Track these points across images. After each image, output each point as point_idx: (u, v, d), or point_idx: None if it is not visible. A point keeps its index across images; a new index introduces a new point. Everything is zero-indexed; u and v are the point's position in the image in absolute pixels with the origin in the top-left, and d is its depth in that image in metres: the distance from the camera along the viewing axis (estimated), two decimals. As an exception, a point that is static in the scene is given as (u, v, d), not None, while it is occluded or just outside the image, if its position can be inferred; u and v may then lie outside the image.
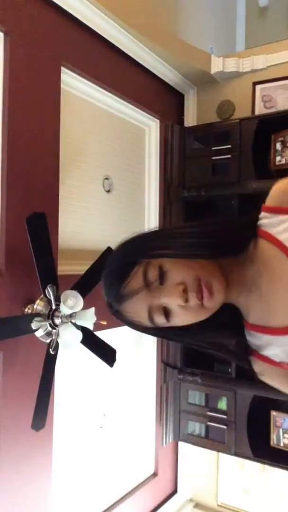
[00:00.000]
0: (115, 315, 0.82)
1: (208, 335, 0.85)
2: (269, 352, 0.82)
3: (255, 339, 0.83)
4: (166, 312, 0.77)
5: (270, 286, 0.78)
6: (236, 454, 2.84)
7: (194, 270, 0.75)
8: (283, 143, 2.75)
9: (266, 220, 0.80)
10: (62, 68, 2.25)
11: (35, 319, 1.82)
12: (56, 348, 1.90)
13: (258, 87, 3.08)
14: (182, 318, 0.77)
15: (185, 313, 0.76)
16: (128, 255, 0.78)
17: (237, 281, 0.80)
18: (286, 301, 0.76)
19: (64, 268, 2.22)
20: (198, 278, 0.74)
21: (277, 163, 2.77)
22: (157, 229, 0.89)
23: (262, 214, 0.81)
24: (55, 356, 1.90)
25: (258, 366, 0.86)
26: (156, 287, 0.76)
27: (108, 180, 2.71)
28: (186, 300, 0.74)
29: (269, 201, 0.81)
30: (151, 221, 3.08)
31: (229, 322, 0.84)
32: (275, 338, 0.79)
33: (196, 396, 3.12)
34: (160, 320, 0.77)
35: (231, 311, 0.83)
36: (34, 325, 1.81)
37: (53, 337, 1.89)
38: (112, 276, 0.78)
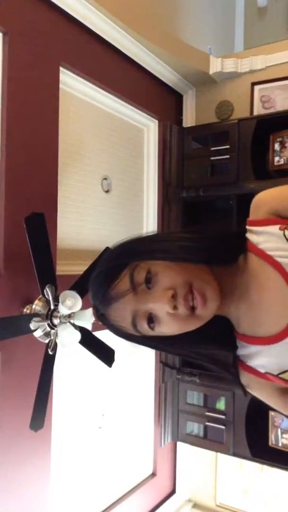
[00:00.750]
0: (100, 319, 0.79)
1: (197, 347, 0.82)
2: (255, 362, 0.81)
3: (243, 349, 0.82)
4: (151, 319, 0.72)
5: (258, 296, 0.77)
6: (235, 454, 2.84)
7: (186, 275, 0.71)
8: (281, 143, 2.76)
9: (249, 234, 0.81)
10: (61, 69, 2.25)
11: (34, 319, 1.82)
12: (55, 348, 1.90)
13: (256, 87, 3.09)
14: (169, 327, 0.72)
15: (173, 322, 0.72)
16: (117, 257, 0.76)
17: (228, 291, 0.78)
18: (273, 311, 0.76)
19: (63, 268, 2.22)
20: (189, 283, 0.71)
21: (275, 164, 2.78)
22: (151, 234, 0.88)
23: (247, 227, 0.82)
24: (53, 356, 1.90)
25: (245, 378, 0.84)
26: (143, 291, 0.72)
27: (107, 180, 2.71)
28: (175, 307, 0.70)
29: (251, 215, 0.82)
30: (149, 221, 3.08)
31: (220, 333, 0.81)
32: (262, 348, 0.78)
33: (194, 396, 3.12)
34: (144, 327, 0.73)
35: (222, 322, 0.80)
36: (32, 325, 1.80)
37: (52, 337, 1.89)
38: (101, 278, 0.75)
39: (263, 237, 0.78)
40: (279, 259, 0.75)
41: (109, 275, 0.74)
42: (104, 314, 0.77)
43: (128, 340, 0.81)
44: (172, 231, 0.88)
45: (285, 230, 0.75)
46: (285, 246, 0.75)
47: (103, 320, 0.78)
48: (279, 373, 0.77)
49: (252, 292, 0.77)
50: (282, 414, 0.86)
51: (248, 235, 0.81)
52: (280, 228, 0.76)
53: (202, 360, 0.85)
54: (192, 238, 0.80)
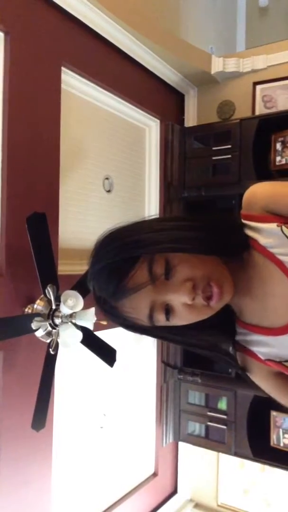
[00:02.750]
0: (108, 312, 0.77)
1: (202, 334, 0.82)
2: (255, 349, 0.83)
3: (244, 335, 0.84)
4: (168, 310, 0.73)
5: (262, 291, 0.79)
6: (236, 454, 2.84)
7: (205, 268, 0.72)
8: (283, 143, 2.76)
9: (248, 230, 0.80)
10: (63, 68, 2.25)
11: (35, 319, 1.82)
12: (56, 348, 1.90)
13: (258, 87, 3.08)
14: (184, 317, 0.74)
15: (188, 312, 0.73)
16: (130, 249, 0.72)
17: (235, 284, 0.78)
18: (277, 306, 0.78)
19: (64, 268, 2.22)
20: (208, 276, 0.72)
21: (277, 163, 2.77)
22: (154, 220, 0.85)
23: (244, 221, 0.81)
24: (55, 356, 1.91)
25: (245, 361, 0.86)
26: (162, 283, 0.72)
27: (109, 180, 2.71)
28: (193, 298, 0.71)
29: (244, 209, 0.81)
30: (151, 221, 3.07)
31: (222, 320, 0.82)
32: (265, 338, 0.80)
33: (196, 396, 3.12)
34: (161, 318, 0.73)
35: (225, 309, 0.81)
36: (34, 325, 1.81)
37: (53, 337, 1.89)
38: (110, 270, 0.72)
39: (262, 234, 0.78)
40: (280, 257, 0.76)
41: (121, 266, 0.72)
42: (116, 307, 0.75)
43: (135, 331, 0.80)
44: (173, 216, 0.86)
45: (283, 227, 0.75)
46: (285, 243, 0.75)
47: (112, 312, 0.76)
48: (281, 361, 0.80)
49: (255, 286, 0.79)
50: (276, 400, 0.88)
51: (248, 231, 0.80)
52: (277, 225, 0.76)
53: (204, 347, 0.86)
54: (204, 228, 0.78)
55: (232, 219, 0.84)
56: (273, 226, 0.76)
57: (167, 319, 0.73)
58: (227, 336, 0.85)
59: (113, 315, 0.77)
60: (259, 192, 0.80)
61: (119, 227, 0.79)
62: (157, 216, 3.02)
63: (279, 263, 0.76)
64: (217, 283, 0.72)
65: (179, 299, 0.72)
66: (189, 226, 0.78)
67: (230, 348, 0.86)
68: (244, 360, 0.87)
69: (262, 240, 0.78)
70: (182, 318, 0.74)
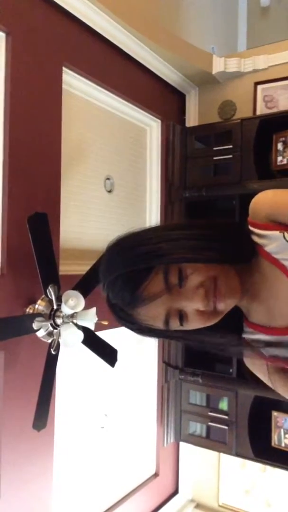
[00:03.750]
0: (123, 319, 0.79)
1: (214, 333, 0.85)
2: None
3: (251, 335, 0.88)
4: (181, 316, 0.76)
5: (268, 295, 0.83)
6: (237, 454, 2.84)
7: (214, 274, 0.76)
8: (284, 143, 2.75)
9: (254, 236, 0.83)
10: (64, 69, 2.25)
11: (37, 319, 1.82)
12: (58, 348, 1.90)
13: (259, 87, 3.08)
14: (196, 322, 0.77)
15: (200, 318, 0.76)
16: (146, 259, 0.75)
17: (243, 288, 0.82)
18: (283, 309, 0.82)
19: (66, 268, 2.22)
20: (216, 280, 0.75)
21: (278, 163, 2.77)
22: (162, 226, 0.87)
23: (250, 228, 0.84)
24: (56, 356, 1.91)
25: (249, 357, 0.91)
26: (176, 291, 0.75)
27: (110, 180, 2.71)
28: (206, 305, 0.75)
29: (251, 216, 0.83)
30: (152, 221, 3.08)
31: (232, 320, 0.85)
32: (271, 337, 0.85)
33: (197, 396, 3.12)
34: (176, 324, 0.77)
35: (235, 310, 0.85)
36: (35, 325, 1.81)
37: (54, 337, 1.90)
38: (125, 279, 0.75)
39: (266, 240, 0.81)
40: (285, 263, 0.80)
41: (136, 276, 0.74)
42: (131, 314, 0.78)
43: (149, 335, 0.83)
44: (183, 223, 0.88)
45: (285, 234, 0.78)
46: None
47: (127, 319, 0.79)
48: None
49: (262, 290, 0.83)
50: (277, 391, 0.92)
51: (254, 238, 0.83)
52: (280, 232, 0.79)
53: (215, 346, 0.89)
54: (217, 237, 0.81)
55: (241, 226, 0.86)
56: (276, 233, 0.79)
57: (181, 324, 0.77)
58: (235, 333, 0.89)
59: (128, 322, 0.80)
60: (261, 202, 0.82)
61: (130, 235, 0.81)
62: (159, 221, 3.04)
63: (284, 268, 0.80)
64: (225, 286, 0.76)
65: (193, 305, 0.75)
66: (202, 235, 0.80)
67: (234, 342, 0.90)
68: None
69: (267, 246, 0.81)
70: (195, 323, 0.77)
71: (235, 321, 0.87)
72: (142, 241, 0.78)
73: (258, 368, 0.91)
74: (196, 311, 0.76)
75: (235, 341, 0.89)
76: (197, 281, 0.75)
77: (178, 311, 0.76)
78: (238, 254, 0.81)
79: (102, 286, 0.79)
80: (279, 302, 0.82)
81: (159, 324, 0.77)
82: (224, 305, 0.77)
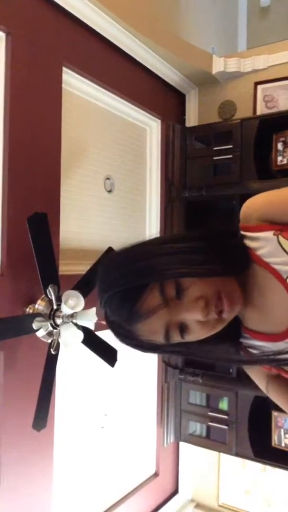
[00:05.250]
0: (123, 335, 0.79)
1: (214, 344, 0.84)
2: (256, 352, 0.87)
3: (247, 340, 0.88)
4: (182, 328, 0.75)
5: (261, 301, 0.82)
6: (237, 454, 2.84)
7: (215, 285, 0.75)
8: (284, 143, 2.75)
9: (246, 240, 0.82)
10: (64, 68, 2.25)
11: (36, 319, 1.82)
12: (57, 348, 1.90)
13: (259, 87, 3.08)
14: (198, 333, 0.76)
15: (202, 328, 0.75)
16: (140, 277, 0.74)
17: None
18: (276, 315, 0.81)
19: (66, 268, 2.22)
20: (218, 291, 0.74)
21: (278, 163, 2.77)
22: (157, 239, 0.86)
23: (242, 232, 0.83)
24: (56, 356, 1.91)
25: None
26: (175, 303, 0.74)
27: (110, 180, 2.71)
28: (207, 315, 0.73)
29: (242, 221, 0.83)
30: (152, 221, 3.08)
31: (230, 327, 0.83)
32: (265, 344, 0.84)
33: (197, 396, 3.12)
34: (177, 337, 0.76)
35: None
36: (35, 325, 1.81)
37: (54, 337, 1.89)
38: (122, 296, 0.74)
39: (259, 243, 0.79)
40: (276, 267, 0.78)
41: (132, 292, 0.74)
42: (130, 330, 0.77)
43: (149, 351, 0.82)
44: (177, 236, 0.86)
45: (279, 236, 0.77)
46: (280, 253, 0.77)
47: (127, 335, 0.78)
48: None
49: (255, 296, 0.82)
50: (273, 401, 0.93)
51: (246, 241, 0.82)
52: (274, 234, 0.77)
53: (215, 357, 0.90)
54: (208, 248, 0.79)
55: (235, 234, 0.85)
56: (269, 234, 0.78)
57: (182, 337, 0.76)
58: (233, 339, 0.88)
59: (128, 338, 0.79)
60: (253, 203, 0.82)
61: (124, 250, 0.80)
62: (159, 221, 3.04)
63: (275, 273, 0.78)
64: (228, 296, 0.74)
65: (193, 317, 0.74)
66: (196, 248, 0.79)
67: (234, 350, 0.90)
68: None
69: (259, 250, 0.79)
70: (197, 334, 0.76)
71: (233, 327, 0.86)
72: (135, 257, 0.77)
73: (255, 374, 0.92)
74: (197, 322, 0.74)
75: (235, 350, 0.88)
76: (197, 293, 0.74)
77: (178, 323, 0.75)
78: (235, 265, 0.79)
79: (100, 303, 0.79)
80: (272, 308, 0.81)
81: (160, 339, 0.76)
82: (231, 314, 0.76)
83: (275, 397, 0.91)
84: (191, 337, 0.76)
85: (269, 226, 0.78)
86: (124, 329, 0.77)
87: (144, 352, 0.82)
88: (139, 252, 0.78)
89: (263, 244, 0.78)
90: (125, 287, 0.74)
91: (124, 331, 0.78)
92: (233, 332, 0.87)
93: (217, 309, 0.74)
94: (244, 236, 0.82)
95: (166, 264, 0.75)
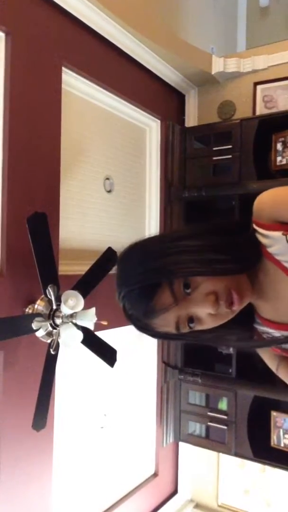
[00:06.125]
0: (141, 327, 0.84)
1: (226, 331, 0.89)
2: (266, 337, 0.94)
3: (259, 325, 0.94)
4: (191, 320, 0.80)
5: (273, 294, 0.86)
6: (237, 454, 2.84)
7: (226, 280, 0.78)
8: (283, 143, 2.76)
9: (258, 235, 0.84)
10: (63, 68, 2.25)
11: (36, 319, 1.82)
12: (57, 348, 1.90)
13: (259, 87, 3.08)
14: (209, 324, 0.81)
15: (213, 320, 0.80)
16: (154, 276, 0.78)
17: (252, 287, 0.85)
18: (285, 305, 0.85)
19: (65, 268, 2.22)
20: (229, 286, 0.78)
21: (278, 164, 2.77)
22: (169, 236, 0.90)
23: (255, 227, 0.84)
24: (55, 356, 1.91)
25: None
26: (184, 298, 0.79)
27: (109, 180, 2.71)
28: (217, 309, 0.78)
29: (255, 217, 0.84)
30: (151, 221, 3.08)
31: (244, 315, 0.88)
32: (276, 331, 0.89)
33: (196, 397, 3.12)
34: (187, 329, 0.81)
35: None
36: (34, 325, 1.81)
37: (54, 337, 1.89)
38: (139, 293, 0.79)
39: (270, 241, 0.81)
40: (286, 264, 0.81)
41: (147, 289, 0.78)
42: (148, 323, 0.82)
43: (165, 339, 0.91)
44: (187, 232, 0.88)
45: (287, 236, 0.79)
46: None
47: (146, 328, 0.83)
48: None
49: (267, 290, 0.86)
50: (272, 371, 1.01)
51: (258, 236, 0.84)
52: (283, 234, 0.80)
53: (225, 343, 0.99)
54: (225, 248, 0.82)
55: (246, 228, 0.86)
56: (279, 234, 0.80)
57: (191, 328, 0.81)
58: (247, 324, 0.94)
59: (145, 329, 0.84)
60: (263, 201, 0.83)
61: (139, 246, 0.84)
62: (159, 222, 3.04)
63: (286, 271, 0.81)
64: (237, 290, 0.78)
65: (204, 311, 0.79)
66: (209, 246, 0.82)
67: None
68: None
69: (271, 247, 0.82)
70: (208, 325, 0.81)
71: (247, 313, 0.91)
72: (149, 255, 0.81)
73: (267, 355, 0.99)
74: (208, 314, 0.79)
75: (248, 334, 0.94)
76: (208, 289, 0.78)
77: (189, 316, 0.80)
78: (246, 262, 0.82)
79: (118, 297, 0.84)
80: (282, 301, 0.85)
81: (171, 330, 0.82)
82: (240, 306, 0.80)
83: (285, 376, 0.98)
84: (204, 327, 0.82)
85: (279, 226, 0.80)
86: (142, 322, 0.82)
87: (161, 339, 0.90)
88: (152, 250, 0.82)
89: (273, 242, 0.81)
90: (140, 284, 0.79)
91: (142, 324, 0.83)
92: (247, 316, 0.92)
93: (227, 302, 0.78)
94: (256, 231, 0.84)
95: (177, 263, 0.79)
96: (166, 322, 0.80)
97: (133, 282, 0.80)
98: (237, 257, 0.81)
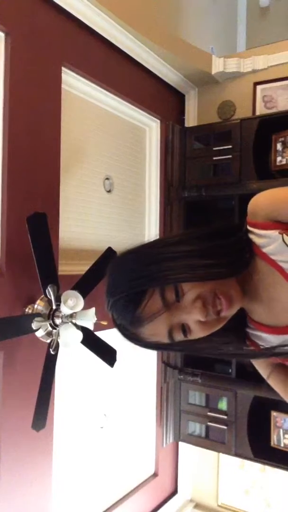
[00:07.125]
0: (129, 337, 0.82)
1: (219, 340, 0.87)
2: (260, 343, 0.91)
3: (252, 330, 0.91)
4: (184, 328, 0.79)
5: (267, 296, 0.84)
6: (237, 454, 2.84)
7: (212, 285, 0.77)
8: (283, 143, 2.75)
9: (252, 235, 0.83)
10: (63, 68, 2.25)
11: (36, 319, 1.82)
12: (57, 348, 1.90)
13: (259, 87, 3.08)
14: (200, 333, 0.79)
15: (203, 328, 0.78)
16: (141, 283, 0.77)
17: (243, 290, 0.83)
18: (281, 309, 0.84)
19: (65, 268, 2.22)
20: (215, 289, 0.77)
21: (277, 164, 2.77)
22: (157, 243, 0.87)
23: (249, 228, 0.83)
24: (55, 356, 1.91)
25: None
26: (174, 306, 0.77)
27: (109, 180, 2.71)
28: (206, 315, 0.76)
29: (249, 217, 0.83)
30: (151, 221, 3.08)
31: (235, 318, 0.85)
32: (270, 336, 0.87)
33: (196, 397, 3.12)
34: (180, 337, 0.79)
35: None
36: (34, 325, 1.81)
37: (54, 337, 1.89)
38: (125, 301, 0.78)
39: (265, 240, 0.80)
40: (282, 264, 0.80)
41: (133, 298, 0.77)
42: (136, 333, 0.81)
43: (158, 350, 0.88)
44: (177, 238, 0.86)
45: (284, 235, 0.78)
46: (286, 251, 0.78)
47: (133, 337, 0.82)
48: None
49: (261, 291, 0.84)
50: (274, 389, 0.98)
51: (251, 236, 0.83)
52: (279, 233, 0.79)
53: (216, 352, 0.94)
54: (211, 253, 0.81)
55: (237, 231, 0.85)
56: (275, 233, 0.79)
57: (185, 336, 0.79)
58: (239, 330, 0.92)
59: (134, 339, 0.83)
60: (261, 201, 0.82)
61: (129, 253, 0.82)
62: (158, 222, 3.03)
63: (281, 270, 0.80)
64: (225, 294, 0.77)
65: (193, 318, 0.77)
66: (198, 251, 0.80)
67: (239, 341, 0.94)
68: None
69: (266, 247, 0.81)
70: (198, 333, 0.79)
71: (239, 318, 0.89)
72: (137, 263, 0.79)
73: (259, 362, 0.97)
74: (197, 322, 0.77)
75: (239, 343, 0.92)
76: (194, 294, 0.77)
77: (180, 324, 0.78)
78: (232, 266, 0.80)
79: (106, 306, 0.82)
80: (277, 303, 0.83)
81: (164, 339, 0.80)
82: (229, 312, 0.78)
83: (275, 384, 0.95)
84: (193, 337, 0.79)
85: (275, 225, 0.79)
86: (130, 331, 0.81)
87: (152, 350, 0.86)
88: (140, 258, 0.81)
89: (270, 241, 0.80)
90: (126, 292, 0.77)
91: (130, 333, 0.81)
92: (239, 322, 0.90)
93: (215, 309, 0.77)
94: (250, 231, 0.83)
95: (166, 269, 0.77)
96: (157, 331, 0.79)
97: (120, 291, 0.78)
98: (222, 261, 0.79)
